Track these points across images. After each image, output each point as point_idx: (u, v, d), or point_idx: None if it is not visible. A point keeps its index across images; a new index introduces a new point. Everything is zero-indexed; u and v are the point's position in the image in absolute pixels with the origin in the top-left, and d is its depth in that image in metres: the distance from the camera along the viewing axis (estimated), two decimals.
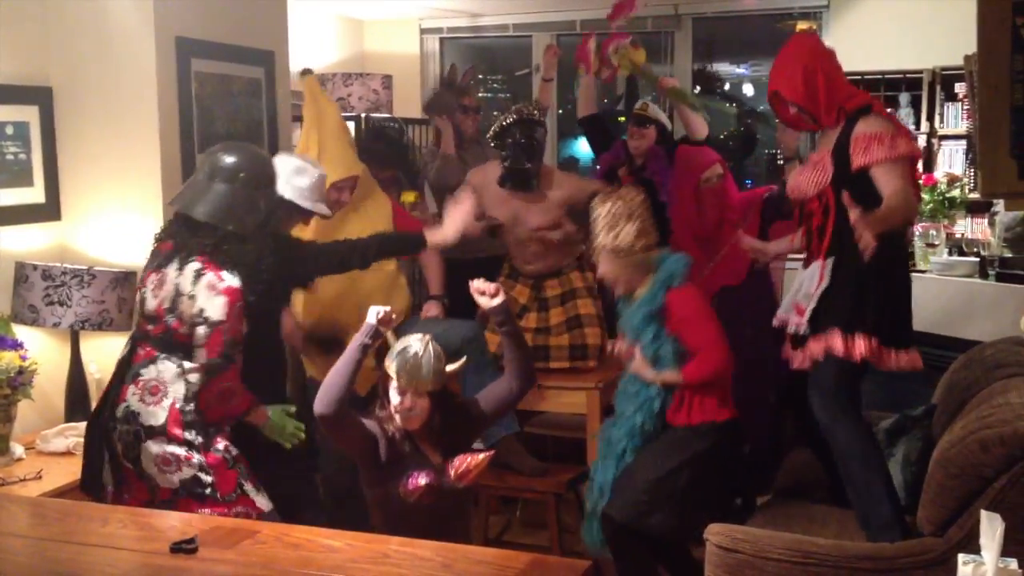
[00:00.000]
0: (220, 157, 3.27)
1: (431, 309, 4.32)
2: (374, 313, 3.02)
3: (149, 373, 3.16)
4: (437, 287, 4.41)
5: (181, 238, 3.22)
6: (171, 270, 3.18)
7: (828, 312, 3.31)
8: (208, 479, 3.09)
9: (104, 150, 4.11)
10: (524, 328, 4.46)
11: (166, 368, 3.14)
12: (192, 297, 3.12)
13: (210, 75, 4.30)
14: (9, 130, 3.96)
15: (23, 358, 3.63)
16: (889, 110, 6.57)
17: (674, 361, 3.45)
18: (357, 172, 4.07)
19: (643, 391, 3.53)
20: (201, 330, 3.10)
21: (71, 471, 3.53)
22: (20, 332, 3.84)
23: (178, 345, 3.15)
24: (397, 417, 3.04)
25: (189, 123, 4.19)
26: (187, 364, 3.11)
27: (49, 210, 4.15)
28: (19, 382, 3.59)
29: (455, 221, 3.71)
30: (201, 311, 3.10)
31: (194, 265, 3.14)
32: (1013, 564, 2.03)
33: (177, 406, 3.09)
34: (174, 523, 2.76)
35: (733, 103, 7.82)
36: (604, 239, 3.49)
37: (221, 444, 3.14)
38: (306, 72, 4.26)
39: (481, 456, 3.01)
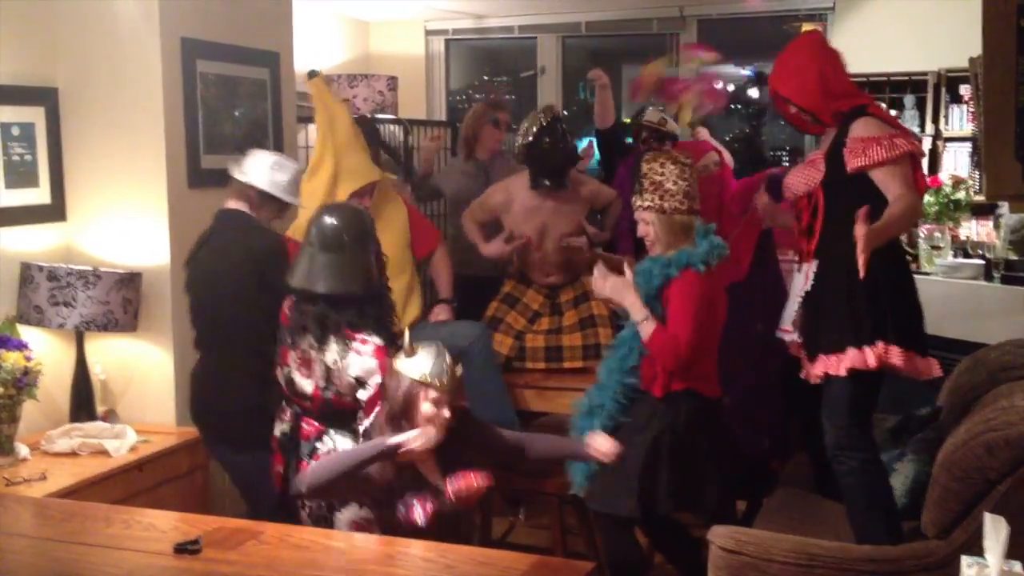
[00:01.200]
0: (324, 224, 3.26)
1: (440, 312, 4.33)
2: (410, 437, 2.92)
3: (325, 446, 3.23)
4: (446, 291, 4.44)
5: (307, 314, 3.23)
6: (311, 350, 3.23)
7: (834, 328, 3.28)
8: None
9: (109, 151, 4.12)
10: (536, 331, 4.47)
11: (341, 441, 3.22)
12: (344, 368, 3.17)
13: (215, 76, 4.30)
14: (15, 131, 3.97)
15: (28, 359, 3.64)
16: (893, 112, 6.61)
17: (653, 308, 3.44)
18: (375, 178, 4.09)
19: (627, 358, 3.52)
20: (362, 394, 3.17)
21: (75, 472, 3.54)
22: (25, 333, 3.85)
23: (340, 414, 3.23)
24: (430, 429, 2.95)
25: (194, 124, 4.20)
26: (360, 428, 3.18)
27: (54, 211, 4.15)
28: (24, 383, 3.60)
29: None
30: (358, 379, 3.17)
31: (335, 338, 3.18)
32: (1017, 567, 2.03)
33: None
34: (178, 524, 2.77)
35: (739, 105, 7.81)
36: (651, 197, 3.46)
37: None
38: (313, 74, 4.26)
39: (481, 481, 2.94)
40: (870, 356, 3.19)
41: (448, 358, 3.03)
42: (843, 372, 3.22)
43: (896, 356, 3.19)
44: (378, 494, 2.99)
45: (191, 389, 3.78)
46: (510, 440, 3.24)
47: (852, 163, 3.25)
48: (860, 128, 3.27)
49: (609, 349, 3.68)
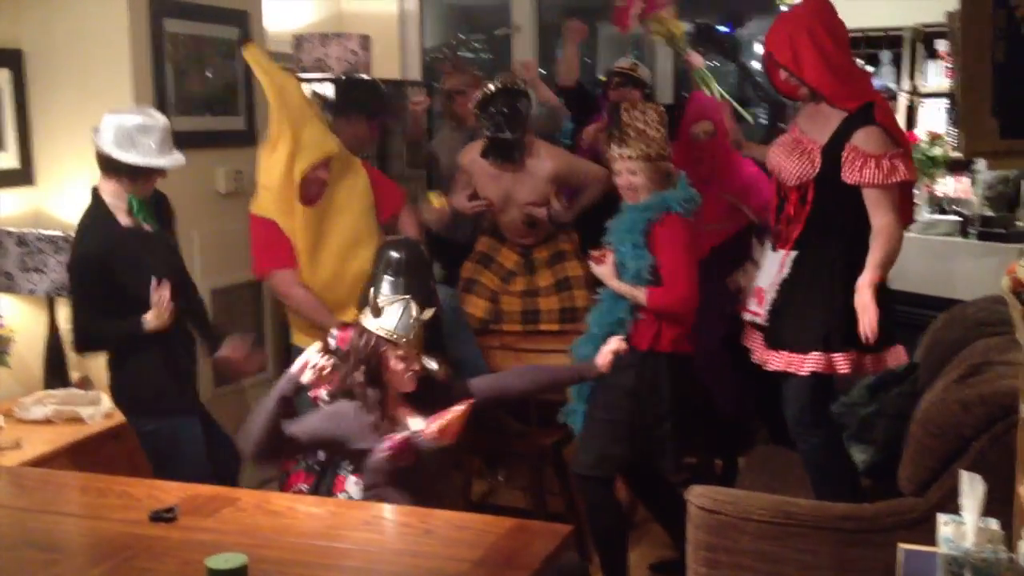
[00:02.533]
0: (391, 257, 3.48)
1: None
2: (301, 362, 2.92)
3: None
4: None
5: None
6: None
7: (805, 329, 3.28)
8: None
9: (78, 114, 4.04)
10: (511, 291, 4.45)
11: None
12: None
13: (184, 36, 4.23)
14: None
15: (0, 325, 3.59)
16: (870, 68, 6.58)
17: (641, 279, 3.43)
18: (333, 150, 3.92)
19: (613, 310, 3.52)
20: None
21: (50, 439, 3.52)
22: None
23: None
24: (404, 383, 3.01)
25: (163, 85, 4.13)
26: None
27: (23, 175, 4.09)
28: None
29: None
30: None
31: None
32: (994, 524, 2.03)
33: None
34: (153, 492, 2.75)
35: (733, 65, 7.76)
36: (636, 145, 3.44)
37: None
38: (245, 40, 4.09)
39: (460, 407, 2.98)
40: (839, 363, 3.22)
41: (414, 310, 3.05)
42: (806, 373, 3.25)
43: (862, 361, 3.25)
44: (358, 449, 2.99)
45: (108, 369, 3.59)
46: (488, 391, 3.25)
47: (847, 175, 3.21)
48: (863, 139, 3.20)
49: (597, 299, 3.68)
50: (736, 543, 3.03)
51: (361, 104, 4.56)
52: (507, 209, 4.48)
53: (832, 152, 3.26)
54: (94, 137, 3.40)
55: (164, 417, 3.47)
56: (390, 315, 3.02)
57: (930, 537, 2.20)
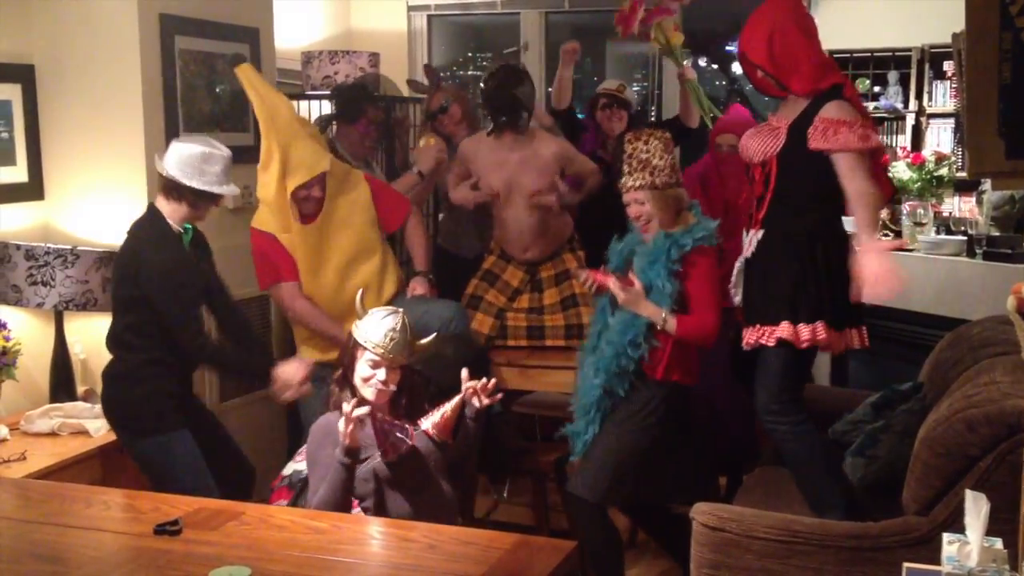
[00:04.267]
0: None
1: (417, 287, 4.27)
2: (344, 428, 2.90)
3: None
4: (422, 263, 4.36)
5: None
6: None
7: (773, 301, 3.32)
8: None
9: (87, 128, 4.08)
10: (517, 308, 4.44)
11: None
12: None
13: (194, 53, 4.26)
14: None
15: (7, 338, 3.62)
16: (876, 88, 6.59)
17: (668, 306, 3.41)
18: (323, 169, 3.89)
19: (629, 331, 3.46)
20: None
21: (55, 452, 3.53)
22: (3, 312, 3.82)
23: None
24: (367, 390, 3.03)
25: (173, 101, 4.16)
26: None
27: (32, 189, 4.11)
28: (3, 363, 3.59)
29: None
30: None
31: None
32: (998, 543, 2.03)
33: None
34: (158, 505, 2.75)
35: (723, 79, 7.79)
36: (642, 175, 3.44)
37: None
38: (239, 60, 4.11)
39: (451, 403, 3.03)
40: (803, 332, 3.26)
41: (398, 323, 3.07)
42: (772, 343, 3.29)
43: (826, 335, 3.27)
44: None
45: (102, 385, 3.62)
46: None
47: (817, 142, 3.26)
48: (833, 110, 3.27)
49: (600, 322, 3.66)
50: (740, 561, 3.02)
51: (341, 109, 4.59)
52: (512, 200, 4.45)
53: (799, 127, 3.31)
54: (157, 161, 3.52)
55: (152, 435, 3.47)
56: (371, 323, 3.06)
57: (935, 556, 2.19)
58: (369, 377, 3.04)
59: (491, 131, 4.46)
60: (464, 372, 3.14)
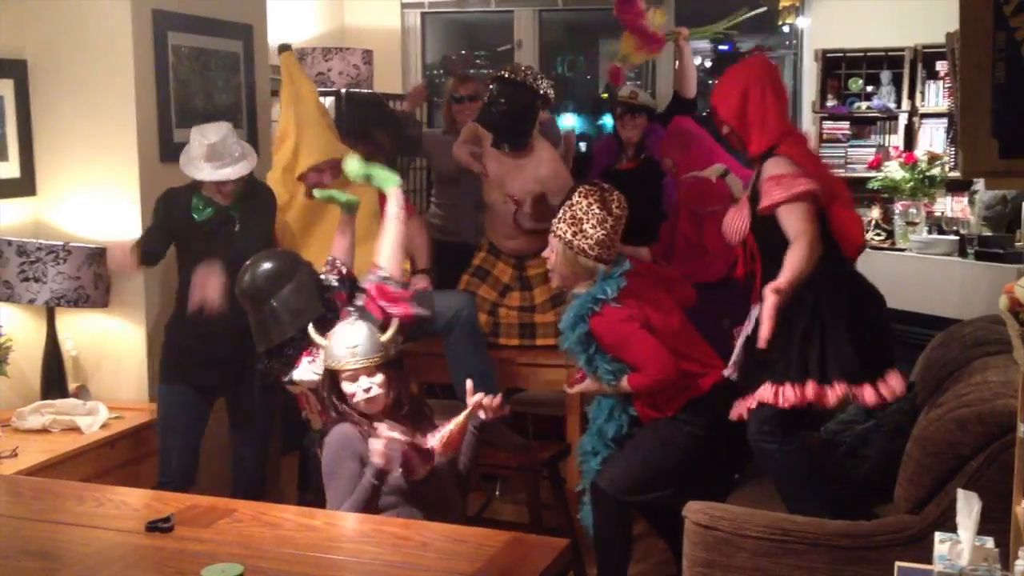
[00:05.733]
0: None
1: (419, 283, 4.27)
2: (377, 453, 2.88)
3: None
4: (424, 261, 4.38)
5: None
6: None
7: (761, 365, 3.29)
8: None
9: (80, 124, 4.06)
10: (508, 306, 4.45)
11: None
12: None
13: (188, 49, 4.24)
14: None
15: None
16: (869, 88, 6.61)
17: (614, 376, 3.43)
18: (336, 155, 3.98)
19: (613, 404, 3.56)
20: None
21: (47, 449, 3.52)
22: None
23: None
24: (361, 405, 3.03)
25: (166, 97, 4.14)
26: None
27: (24, 185, 4.10)
28: None
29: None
30: None
31: None
32: (989, 543, 2.04)
33: None
34: (150, 501, 2.75)
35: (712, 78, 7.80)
36: (564, 228, 3.42)
37: None
38: (284, 48, 4.19)
39: (458, 418, 3.02)
40: (784, 394, 3.22)
41: (357, 332, 3.06)
42: (753, 405, 3.27)
43: (814, 394, 3.22)
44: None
45: None
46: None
47: (760, 205, 3.26)
48: (769, 167, 3.28)
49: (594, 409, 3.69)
50: (732, 560, 3.03)
51: (350, 124, 4.58)
52: (492, 192, 4.49)
53: (754, 195, 3.32)
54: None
55: (162, 382, 3.80)
56: (333, 342, 3.07)
57: (926, 555, 2.21)
58: (354, 392, 3.03)
59: (495, 144, 4.47)
60: (469, 384, 3.14)
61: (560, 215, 3.46)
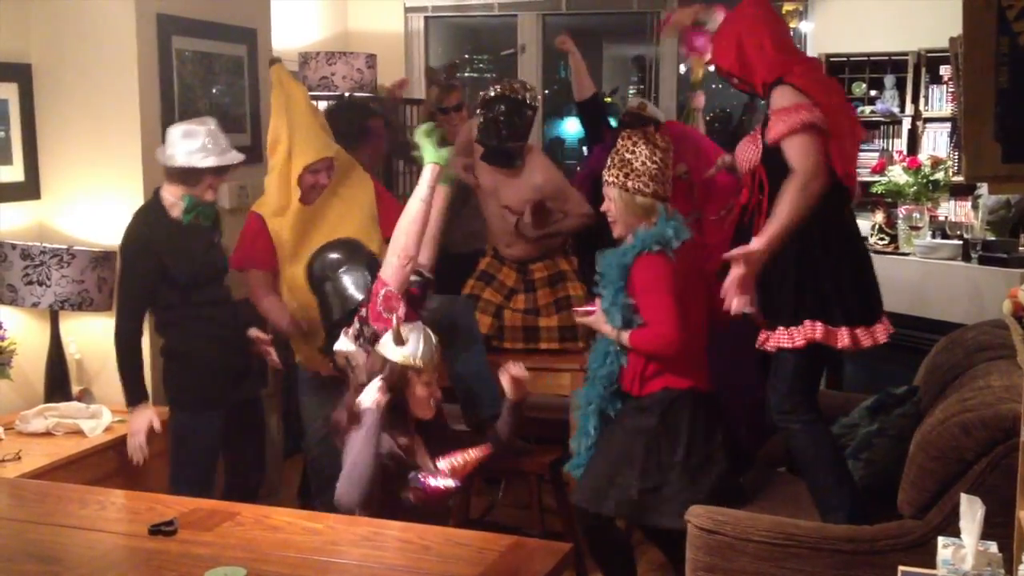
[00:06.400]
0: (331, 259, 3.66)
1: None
2: (373, 398, 3.01)
3: None
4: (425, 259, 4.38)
5: None
6: None
7: (772, 304, 3.27)
8: None
9: (84, 128, 4.07)
10: (512, 309, 4.45)
11: None
12: None
13: (192, 53, 4.25)
14: None
15: (2, 338, 3.61)
16: (872, 92, 6.60)
17: (623, 322, 3.40)
18: (330, 154, 3.97)
19: (609, 350, 3.49)
20: None
21: (50, 452, 3.52)
22: None
23: None
24: (426, 407, 3.12)
25: (170, 101, 4.15)
26: None
27: (28, 188, 4.11)
28: None
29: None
30: None
31: None
32: (993, 547, 2.04)
33: None
34: (153, 505, 2.75)
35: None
36: (616, 173, 3.43)
37: None
38: (274, 61, 4.18)
39: (476, 453, 3.09)
40: (796, 336, 3.20)
41: (434, 339, 3.15)
42: (770, 349, 3.26)
43: (824, 334, 3.17)
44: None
45: None
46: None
47: (768, 137, 3.22)
48: (776, 99, 3.23)
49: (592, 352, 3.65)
50: (735, 564, 3.03)
51: (343, 133, 4.56)
52: (489, 203, 4.56)
53: (765, 127, 3.28)
54: (157, 151, 3.71)
55: (187, 410, 3.72)
56: (412, 343, 3.10)
57: (930, 559, 2.20)
58: (427, 396, 3.12)
59: (483, 158, 4.50)
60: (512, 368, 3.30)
61: (608, 163, 3.47)
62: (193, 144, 3.61)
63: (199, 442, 3.70)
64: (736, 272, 3.07)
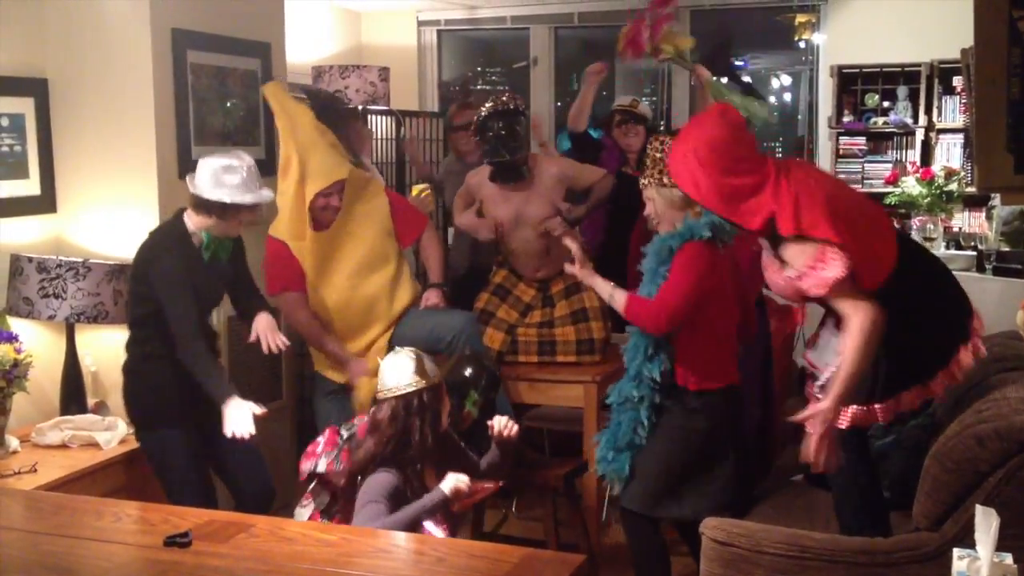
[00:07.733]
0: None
1: (431, 297, 4.27)
2: (450, 485, 3.06)
3: None
4: (437, 275, 4.38)
5: None
6: None
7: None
8: None
9: (100, 142, 4.10)
10: (529, 323, 4.44)
11: None
12: None
13: (206, 67, 4.28)
14: (4, 122, 3.95)
15: (18, 351, 3.62)
16: (886, 104, 6.60)
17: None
18: (341, 176, 3.98)
19: (639, 347, 3.48)
20: None
21: (66, 464, 3.54)
22: (15, 325, 3.84)
23: None
24: (456, 422, 3.29)
25: (185, 115, 4.18)
26: None
27: (45, 202, 4.14)
28: (14, 375, 3.58)
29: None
30: None
31: None
32: (1008, 559, 2.03)
33: None
34: (168, 517, 2.76)
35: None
36: (650, 173, 3.46)
37: None
38: (267, 81, 4.19)
39: (488, 487, 3.18)
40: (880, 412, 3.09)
41: (413, 353, 3.23)
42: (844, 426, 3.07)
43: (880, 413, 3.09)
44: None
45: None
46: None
47: (813, 295, 3.00)
48: (790, 255, 2.98)
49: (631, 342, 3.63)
50: None
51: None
52: (519, 229, 4.48)
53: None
54: (188, 180, 3.58)
55: (147, 429, 3.61)
56: (396, 367, 3.20)
57: (945, 571, 2.19)
58: (455, 409, 3.36)
59: (492, 178, 4.50)
60: (494, 423, 3.32)
61: (643, 171, 3.53)
62: (233, 179, 3.52)
63: (174, 459, 3.55)
64: (815, 434, 2.95)
